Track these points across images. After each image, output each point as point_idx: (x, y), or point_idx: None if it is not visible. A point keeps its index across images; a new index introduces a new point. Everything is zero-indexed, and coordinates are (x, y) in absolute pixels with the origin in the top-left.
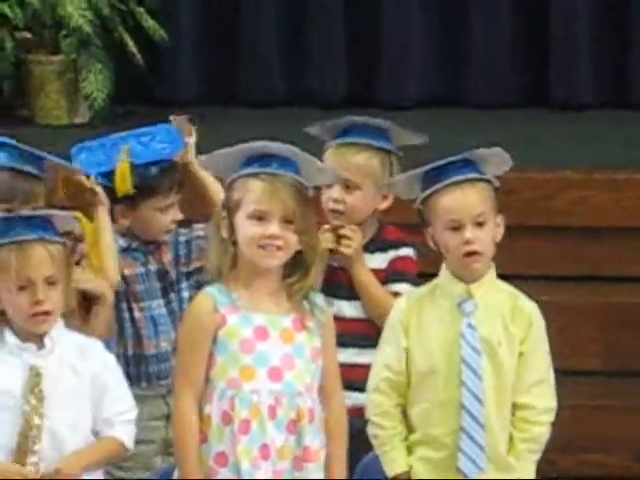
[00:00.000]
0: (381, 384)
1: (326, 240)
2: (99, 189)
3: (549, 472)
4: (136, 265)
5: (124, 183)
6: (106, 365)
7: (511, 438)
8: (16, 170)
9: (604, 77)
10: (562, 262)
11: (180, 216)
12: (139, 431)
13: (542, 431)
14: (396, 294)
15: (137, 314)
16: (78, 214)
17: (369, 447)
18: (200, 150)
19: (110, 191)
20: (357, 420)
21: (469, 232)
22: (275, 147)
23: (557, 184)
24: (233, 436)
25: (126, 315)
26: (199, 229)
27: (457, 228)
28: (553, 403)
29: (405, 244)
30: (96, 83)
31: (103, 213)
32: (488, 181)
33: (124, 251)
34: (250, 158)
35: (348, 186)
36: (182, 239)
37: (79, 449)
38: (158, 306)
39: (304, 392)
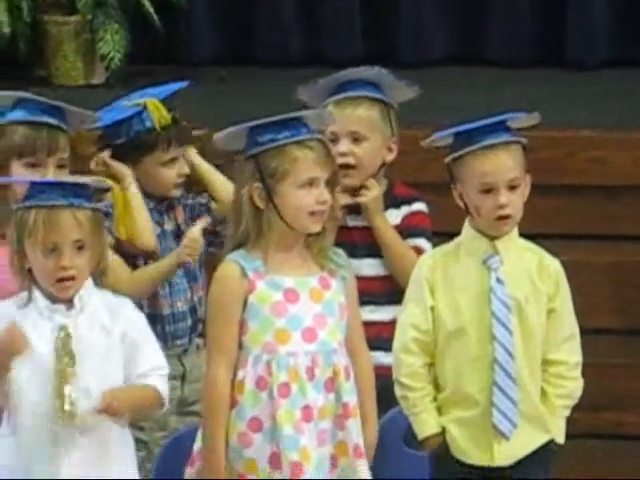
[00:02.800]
0: (409, 344)
1: (341, 198)
2: (113, 163)
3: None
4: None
5: (160, 113)
6: (136, 323)
7: (545, 395)
8: (36, 123)
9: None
10: (580, 221)
11: (186, 169)
12: None
13: (577, 386)
14: (415, 248)
15: None
16: (110, 182)
17: (387, 405)
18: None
19: (121, 147)
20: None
21: (503, 196)
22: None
23: (575, 143)
24: (272, 401)
25: None
26: (201, 197)
27: (490, 190)
28: (581, 358)
29: (417, 199)
30: (113, 43)
31: (130, 183)
32: (523, 146)
33: None
34: (272, 128)
35: (355, 139)
36: (189, 202)
37: (121, 386)
38: None
39: (338, 349)
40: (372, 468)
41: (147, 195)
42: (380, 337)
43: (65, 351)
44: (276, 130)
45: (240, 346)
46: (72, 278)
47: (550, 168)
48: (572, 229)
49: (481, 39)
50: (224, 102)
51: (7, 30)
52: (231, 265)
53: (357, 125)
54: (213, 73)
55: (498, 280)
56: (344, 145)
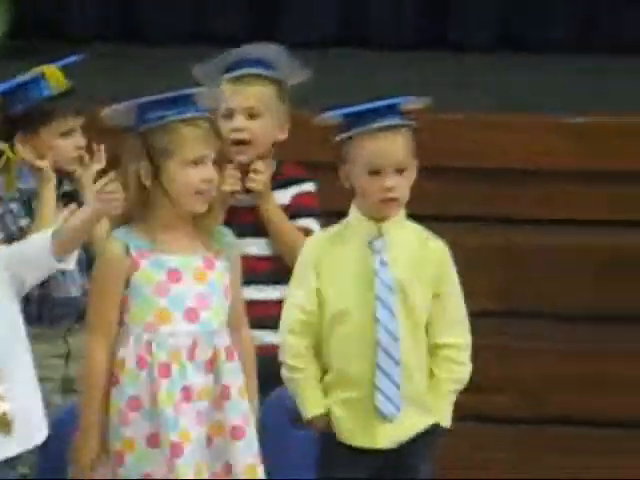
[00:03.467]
0: (294, 325)
1: (232, 180)
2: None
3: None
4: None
5: (58, 80)
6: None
7: (434, 378)
8: None
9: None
10: (452, 203)
11: (83, 142)
12: (39, 369)
13: (466, 370)
14: (303, 229)
15: None
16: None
17: (272, 383)
18: None
19: (9, 121)
20: (257, 358)
21: (390, 180)
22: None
23: (457, 127)
24: (152, 380)
25: None
26: None
27: (377, 173)
28: (470, 341)
29: (306, 179)
30: None
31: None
32: (412, 128)
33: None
34: (161, 105)
35: (251, 115)
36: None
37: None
38: None
39: (220, 330)
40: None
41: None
42: (266, 316)
43: None
44: (164, 107)
45: (122, 324)
46: None
47: (433, 151)
48: (443, 210)
49: (365, 21)
50: (112, 78)
51: None
52: (115, 242)
53: (253, 101)
54: (99, 49)
55: (382, 262)
56: (239, 121)
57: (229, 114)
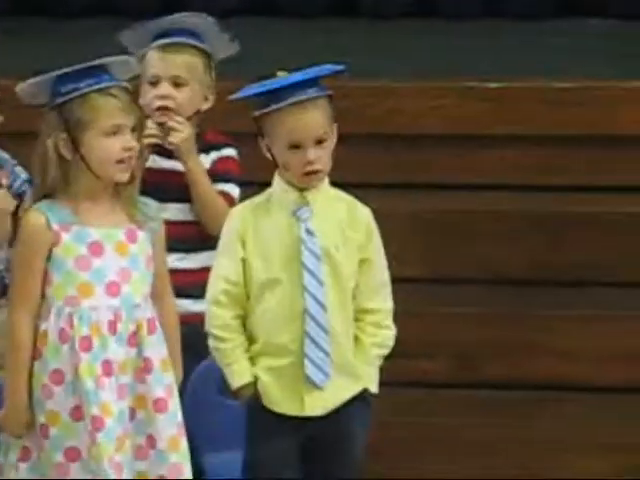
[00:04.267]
0: (220, 296)
1: (151, 134)
2: None
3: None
4: None
5: None
6: None
7: (360, 343)
8: None
9: None
10: (378, 170)
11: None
12: None
13: (391, 334)
14: (223, 193)
15: None
16: None
17: (196, 352)
18: None
19: None
20: (181, 327)
21: (311, 153)
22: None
23: (375, 93)
24: (73, 353)
25: None
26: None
27: (297, 146)
28: (392, 305)
29: (227, 145)
30: None
31: None
32: (329, 95)
33: None
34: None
35: (176, 83)
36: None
37: None
38: None
39: (142, 304)
40: (186, 418)
41: None
42: (189, 285)
43: None
44: (79, 79)
45: (44, 297)
46: None
47: (351, 117)
48: (372, 178)
49: None
50: (17, 54)
51: None
52: (36, 214)
53: (179, 70)
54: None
55: (308, 231)
56: (165, 88)
57: (155, 81)
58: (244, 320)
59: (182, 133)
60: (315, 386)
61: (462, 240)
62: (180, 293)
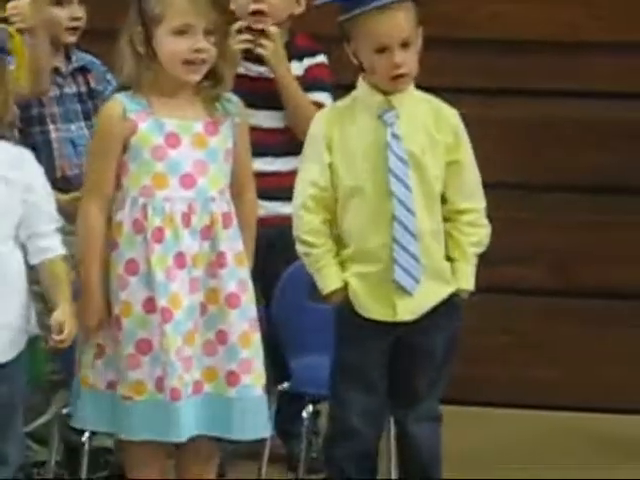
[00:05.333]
0: (308, 201)
1: (241, 40)
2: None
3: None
4: (53, 88)
5: None
6: (38, 177)
7: (457, 243)
8: None
9: None
10: (475, 75)
11: (81, 13)
12: None
13: (487, 232)
14: (316, 104)
15: (53, 135)
16: (10, 29)
17: (284, 257)
18: None
19: None
20: (269, 229)
21: (398, 56)
22: None
23: None
24: (146, 244)
25: (39, 138)
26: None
27: (384, 50)
28: (485, 203)
29: (319, 51)
30: None
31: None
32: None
33: None
34: None
35: None
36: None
37: (58, 296)
38: (78, 128)
39: (218, 197)
40: (274, 320)
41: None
42: (278, 187)
43: None
44: None
45: (120, 188)
46: None
47: (447, 22)
48: (466, 83)
49: None
50: None
51: None
52: (113, 104)
53: None
54: None
55: (394, 135)
56: None
57: None
58: (332, 224)
59: (271, 44)
60: (405, 291)
61: (552, 147)
62: (270, 195)
